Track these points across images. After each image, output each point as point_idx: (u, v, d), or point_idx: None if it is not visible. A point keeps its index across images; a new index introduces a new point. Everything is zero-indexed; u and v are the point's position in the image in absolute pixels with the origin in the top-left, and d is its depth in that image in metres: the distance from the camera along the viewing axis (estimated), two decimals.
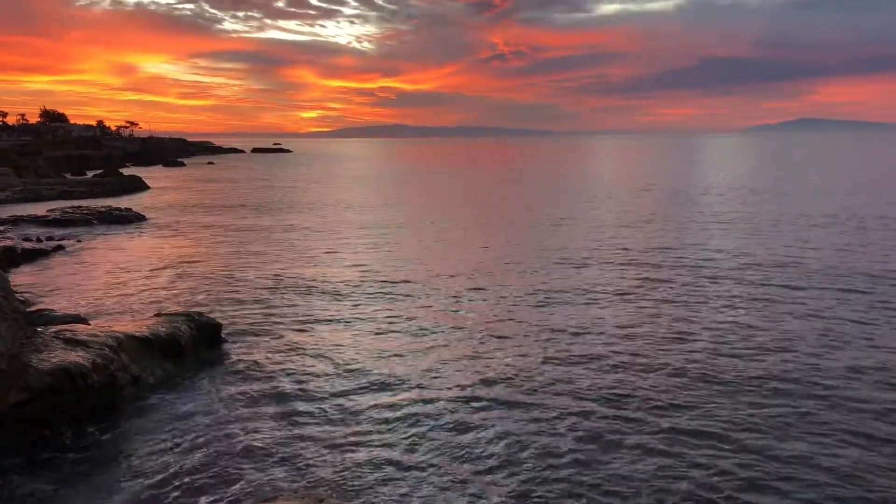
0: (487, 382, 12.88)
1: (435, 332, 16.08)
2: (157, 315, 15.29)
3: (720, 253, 25.29)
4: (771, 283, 20.39)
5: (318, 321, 17.12)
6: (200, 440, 10.62)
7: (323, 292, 20.21)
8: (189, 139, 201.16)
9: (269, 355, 14.51)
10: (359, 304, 18.74)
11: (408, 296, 19.70)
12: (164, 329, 13.76)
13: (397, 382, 12.96)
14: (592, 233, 30.85)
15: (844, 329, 15.73)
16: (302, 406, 11.91)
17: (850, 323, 16.20)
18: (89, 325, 14.25)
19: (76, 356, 11.39)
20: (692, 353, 14.34)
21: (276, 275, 22.55)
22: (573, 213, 38.06)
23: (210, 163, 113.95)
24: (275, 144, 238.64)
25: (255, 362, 14.07)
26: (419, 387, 12.72)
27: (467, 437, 10.67)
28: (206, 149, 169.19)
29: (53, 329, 12.62)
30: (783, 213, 36.73)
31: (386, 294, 19.93)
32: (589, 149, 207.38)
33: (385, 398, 12.24)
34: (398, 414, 11.56)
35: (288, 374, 13.39)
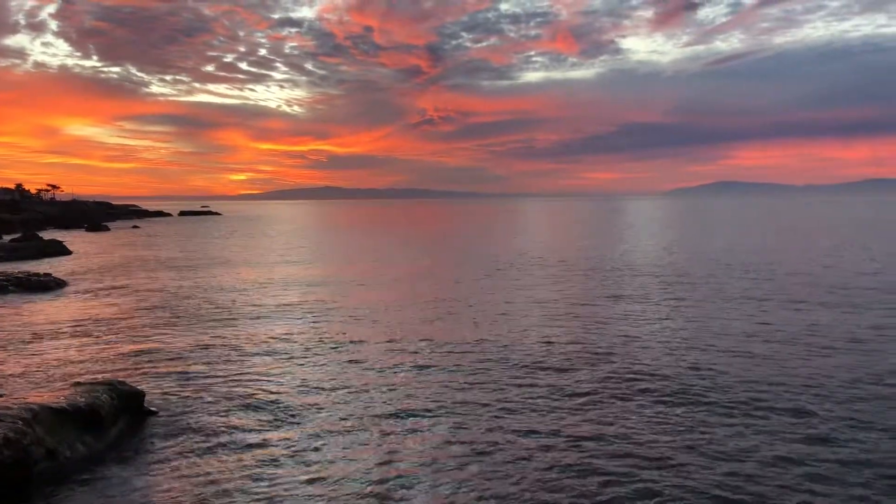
0: (431, 445, 12.76)
1: (365, 387, 15.86)
2: (76, 384, 14.62)
3: (644, 306, 26.01)
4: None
5: (245, 382, 16.64)
6: None
7: (249, 353, 19.74)
8: (114, 202, 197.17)
9: (197, 422, 13.98)
10: (285, 363, 18.35)
11: (335, 350, 19.51)
12: (82, 399, 13.15)
13: (331, 443, 12.70)
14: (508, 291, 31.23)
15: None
16: (235, 476, 11.43)
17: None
18: (1, 396, 13.55)
19: None
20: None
21: (201, 338, 21.98)
22: (490, 273, 38.53)
23: (135, 226, 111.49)
24: (203, 207, 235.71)
25: (182, 431, 13.54)
26: (356, 448, 12.48)
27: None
28: (131, 212, 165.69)
29: None
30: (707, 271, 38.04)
31: (314, 350, 19.62)
32: (517, 211, 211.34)
33: (321, 458, 11.93)
34: (333, 471, 11.31)
35: (216, 442, 12.89)
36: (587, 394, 15.79)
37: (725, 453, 12.19)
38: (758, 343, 20.57)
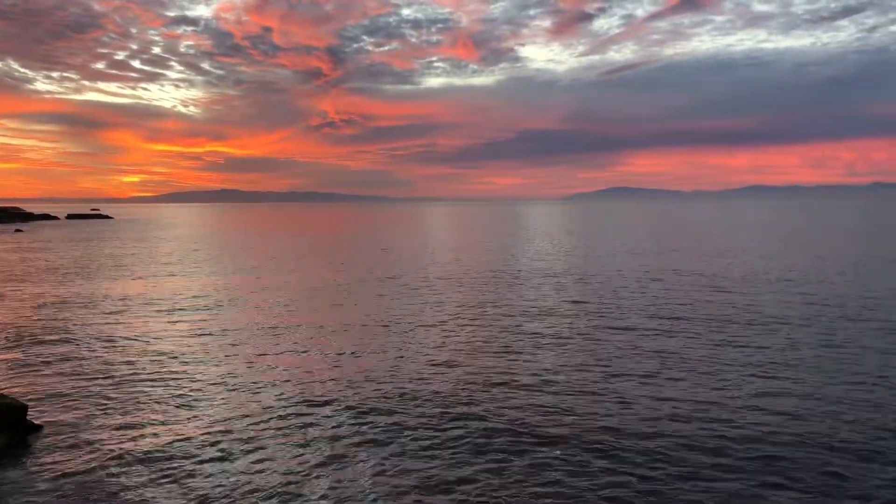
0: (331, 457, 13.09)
1: (261, 392, 16.03)
2: None
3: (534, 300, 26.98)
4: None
5: (135, 396, 16.48)
6: None
7: (138, 365, 19.42)
8: None
9: (84, 438, 13.79)
10: (173, 374, 18.21)
11: (224, 363, 19.43)
12: None
13: (227, 452, 12.84)
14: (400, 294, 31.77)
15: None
16: (121, 493, 11.36)
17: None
18: None
19: None
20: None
21: (88, 349, 21.49)
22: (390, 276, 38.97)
23: (18, 230, 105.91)
24: (93, 210, 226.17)
25: (68, 447, 13.33)
26: (253, 461, 12.68)
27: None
28: (13, 215, 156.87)
29: None
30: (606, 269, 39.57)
31: (203, 361, 19.56)
32: (420, 216, 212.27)
33: (210, 472, 12.05)
34: (223, 484, 11.48)
35: (105, 459, 12.75)
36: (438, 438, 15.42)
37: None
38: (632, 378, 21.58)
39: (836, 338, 22.10)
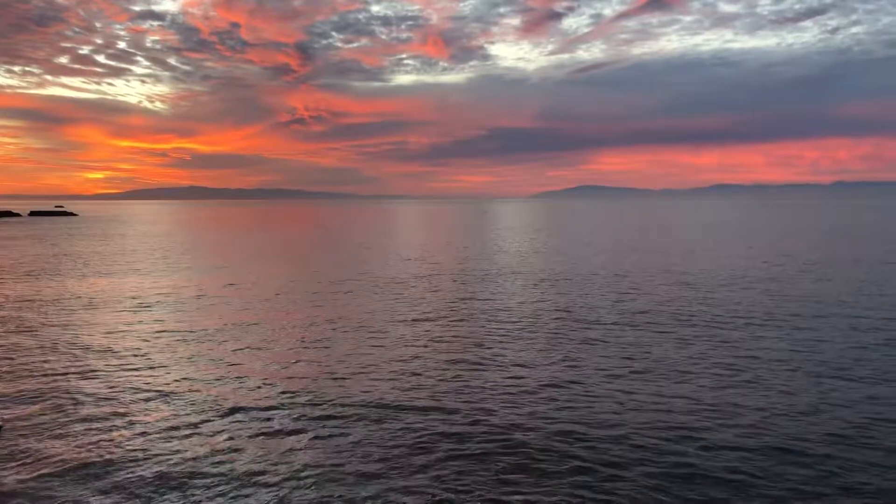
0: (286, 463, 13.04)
1: (221, 398, 15.93)
2: None
3: (510, 301, 27.11)
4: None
5: (99, 392, 16.27)
6: None
7: (103, 361, 19.21)
8: None
9: (45, 437, 13.54)
10: (136, 377, 18.02)
11: (183, 366, 19.27)
12: None
13: (191, 447, 12.73)
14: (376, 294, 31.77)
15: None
16: (81, 497, 11.24)
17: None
18: None
19: None
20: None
21: (51, 350, 21.15)
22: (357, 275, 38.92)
23: None
24: (57, 207, 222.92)
25: (29, 447, 13.04)
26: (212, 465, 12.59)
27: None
28: None
29: None
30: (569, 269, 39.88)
31: (173, 353, 19.41)
32: (389, 213, 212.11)
33: (178, 462, 11.97)
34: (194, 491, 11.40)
35: (68, 458, 12.53)
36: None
37: None
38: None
39: (799, 334, 22.46)
